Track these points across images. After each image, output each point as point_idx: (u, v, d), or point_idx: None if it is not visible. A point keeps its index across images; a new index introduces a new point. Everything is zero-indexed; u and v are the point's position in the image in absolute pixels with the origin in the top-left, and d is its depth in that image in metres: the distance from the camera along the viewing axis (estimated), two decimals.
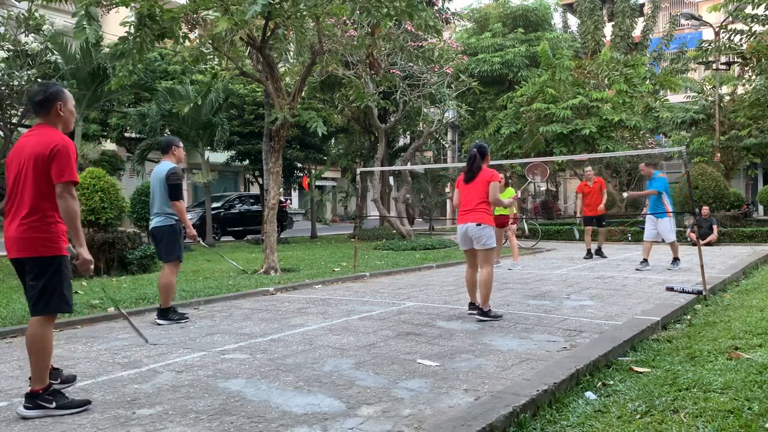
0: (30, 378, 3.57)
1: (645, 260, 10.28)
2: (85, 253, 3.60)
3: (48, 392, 3.49)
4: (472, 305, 6.16)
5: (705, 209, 15.75)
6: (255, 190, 27.91)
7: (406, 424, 3.20)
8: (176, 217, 6.20)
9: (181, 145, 6.48)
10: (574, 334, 5.33)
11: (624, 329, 5.21)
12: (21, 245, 3.49)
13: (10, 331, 5.60)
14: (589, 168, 12.93)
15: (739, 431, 2.98)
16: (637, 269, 10.16)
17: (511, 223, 11.70)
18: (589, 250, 12.73)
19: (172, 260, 6.20)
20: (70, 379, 3.96)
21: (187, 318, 6.29)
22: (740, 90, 22.91)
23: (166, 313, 6.18)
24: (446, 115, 21.12)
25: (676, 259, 10.33)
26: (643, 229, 17.63)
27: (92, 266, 3.70)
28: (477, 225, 6.00)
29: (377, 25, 9.73)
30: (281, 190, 13.22)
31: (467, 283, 6.30)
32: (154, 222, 6.22)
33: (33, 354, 3.49)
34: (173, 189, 6.15)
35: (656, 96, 22.60)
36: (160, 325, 6.06)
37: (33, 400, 3.46)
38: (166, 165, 6.23)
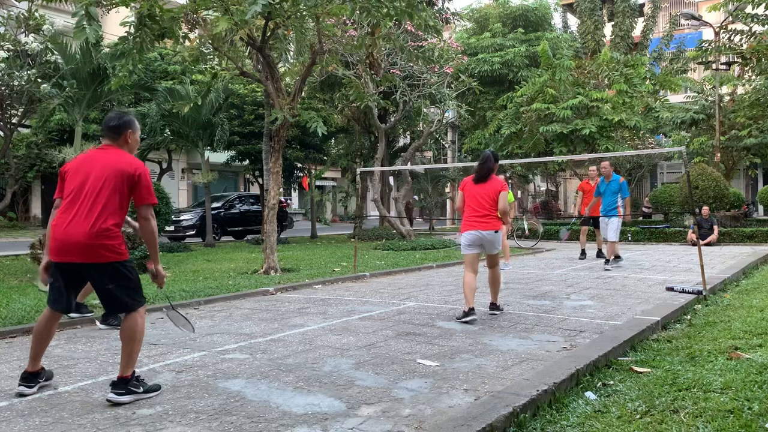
0: (25, 375, 3.81)
1: (608, 260, 10.64)
2: (161, 270, 4.01)
3: (135, 378, 3.75)
4: (472, 310, 5.96)
5: (705, 209, 15.76)
6: (255, 190, 27.94)
7: (406, 424, 3.20)
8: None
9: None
10: (574, 334, 5.33)
11: (624, 329, 5.21)
12: (98, 252, 3.70)
13: (10, 331, 5.59)
14: (593, 167, 12.67)
15: (739, 431, 2.98)
16: (606, 269, 10.32)
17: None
18: (583, 251, 12.67)
19: None
20: (51, 376, 4.08)
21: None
22: (740, 90, 22.92)
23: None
24: (446, 115, 21.14)
25: (617, 257, 10.71)
26: (644, 229, 17.73)
27: (164, 280, 4.12)
28: (495, 232, 6.13)
29: (377, 25, 9.73)
30: (281, 190, 13.21)
31: (468, 287, 6.08)
32: None
33: (132, 343, 3.75)
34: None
35: (656, 96, 22.60)
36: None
37: (124, 385, 3.67)
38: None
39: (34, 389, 3.85)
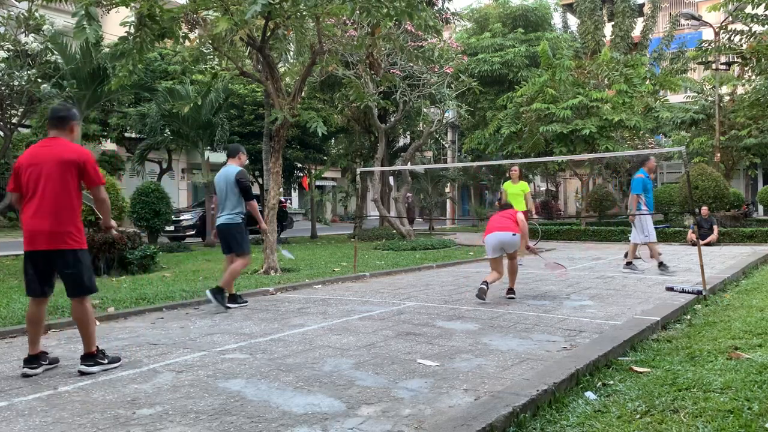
0: (27, 358, 4.27)
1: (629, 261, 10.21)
2: (112, 223, 4.66)
3: (101, 352, 4.36)
4: (511, 290, 7.42)
5: (705, 209, 15.75)
6: (255, 190, 27.94)
7: (406, 424, 3.20)
8: (243, 215, 7.04)
9: (245, 152, 7.44)
10: (574, 334, 5.33)
11: (624, 329, 5.21)
12: (54, 239, 4.15)
13: (10, 331, 5.59)
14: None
15: (739, 431, 2.98)
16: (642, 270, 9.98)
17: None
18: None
19: (245, 252, 7.06)
20: (55, 361, 4.48)
21: (228, 307, 6.83)
22: (740, 90, 22.92)
23: (220, 292, 6.81)
24: (446, 115, 21.13)
25: (630, 262, 10.14)
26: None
27: (114, 230, 4.79)
28: (513, 234, 7.06)
29: (377, 25, 9.73)
30: (281, 190, 13.23)
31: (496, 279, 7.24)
32: (222, 220, 7.04)
33: (80, 326, 4.33)
34: (245, 191, 6.99)
35: (656, 96, 22.60)
36: (209, 303, 6.80)
37: (92, 359, 4.26)
38: (233, 168, 7.01)
39: (38, 370, 4.22)
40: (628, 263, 10.12)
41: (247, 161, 7.65)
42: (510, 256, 7.27)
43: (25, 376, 4.14)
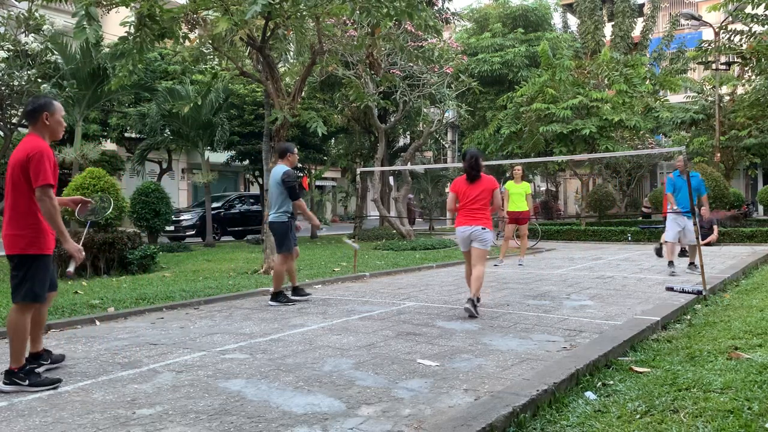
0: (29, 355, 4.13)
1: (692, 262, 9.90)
2: (70, 246, 4.03)
3: (23, 371, 3.93)
4: (479, 299, 6.49)
5: (705, 210, 15.74)
6: (255, 190, 27.93)
7: (406, 424, 3.20)
8: (289, 214, 7.10)
9: (296, 151, 7.51)
10: (574, 334, 5.33)
11: (624, 329, 5.21)
12: (6, 243, 3.94)
13: None
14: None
15: (739, 431, 2.98)
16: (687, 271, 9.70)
17: (523, 222, 11.62)
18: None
19: (283, 252, 7.12)
20: (59, 359, 4.42)
21: (294, 302, 7.12)
22: (740, 90, 22.92)
23: (277, 296, 7.07)
24: (446, 115, 21.13)
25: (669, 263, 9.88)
26: (644, 229, 17.73)
27: (82, 254, 4.15)
28: (483, 228, 6.39)
29: (377, 25, 9.73)
30: None
31: (467, 278, 6.65)
32: (270, 218, 7.19)
33: (9, 335, 3.99)
34: (291, 190, 7.05)
35: (656, 96, 22.61)
36: (271, 306, 6.93)
37: (9, 377, 3.91)
38: (281, 168, 7.12)
39: (40, 369, 4.14)
40: (691, 263, 9.80)
41: (296, 159, 7.68)
42: (474, 261, 6.41)
43: (0, 392, 3.93)
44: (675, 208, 9.66)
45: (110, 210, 5.39)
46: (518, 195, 11.52)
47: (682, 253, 11.08)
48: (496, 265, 11.24)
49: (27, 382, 3.88)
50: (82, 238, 5.09)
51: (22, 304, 3.97)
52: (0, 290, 8.06)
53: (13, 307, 4.01)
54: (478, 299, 6.41)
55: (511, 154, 21.66)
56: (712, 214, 15.57)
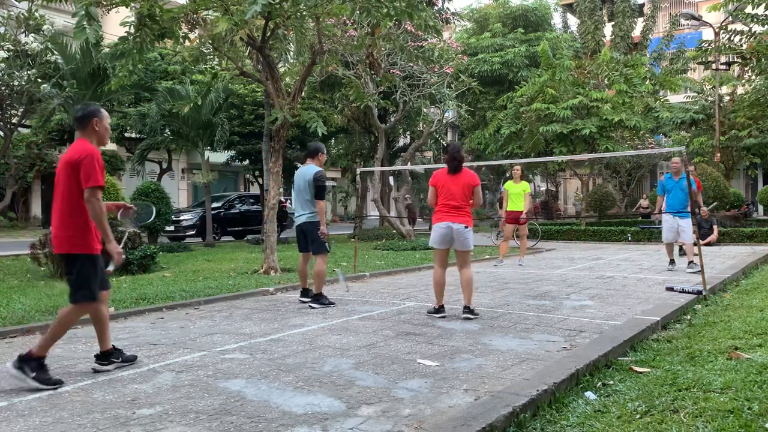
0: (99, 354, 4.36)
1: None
2: (112, 247, 4.21)
3: (38, 363, 3.99)
4: (442, 308, 6.19)
5: (704, 209, 15.74)
6: (255, 190, 27.93)
7: (406, 424, 3.20)
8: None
9: (325, 151, 7.49)
10: (574, 334, 5.33)
11: (624, 329, 5.21)
12: (58, 243, 4.13)
13: (10, 330, 5.59)
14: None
15: (739, 431, 2.97)
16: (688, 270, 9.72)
17: (525, 220, 11.64)
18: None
19: (323, 252, 7.08)
20: (131, 359, 4.52)
21: (334, 304, 7.03)
22: (740, 90, 22.92)
23: (319, 298, 7.00)
24: (446, 115, 21.13)
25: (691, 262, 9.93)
26: (644, 229, 17.73)
27: (122, 255, 4.33)
28: (466, 227, 6.08)
29: (377, 25, 9.73)
30: (281, 190, 13.22)
31: (438, 285, 6.22)
32: (304, 218, 7.10)
33: (54, 325, 4.13)
34: (320, 190, 7.09)
35: (656, 96, 22.62)
36: (313, 308, 6.82)
37: (21, 363, 3.95)
38: (312, 168, 7.11)
39: (109, 368, 4.32)
40: (690, 262, 9.87)
41: (325, 159, 7.62)
42: (460, 264, 6.21)
43: (96, 371, 4.24)
44: (663, 209, 10.07)
45: (152, 218, 5.52)
46: (516, 195, 11.52)
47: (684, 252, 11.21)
48: (495, 266, 11.25)
49: (33, 374, 3.94)
50: (123, 241, 5.31)
51: (79, 305, 4.15)
52: (0, 290, 8.06)
53: (70, 306, 4.16)
54: (472, 310, 6.12)
55: (511, 154, 21.67)
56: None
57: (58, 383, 3.98)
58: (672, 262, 10.21)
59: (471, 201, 6.23)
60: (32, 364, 3.94)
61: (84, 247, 4.10)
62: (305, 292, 7.28)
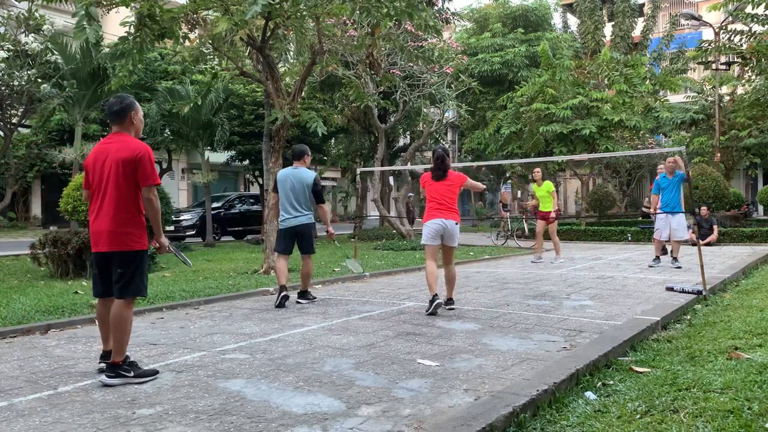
0: (102, 354, 4.32)
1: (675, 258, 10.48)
2: (164, 240, 4.34)
3: (127, 363, 4.09)
4: (436, 296, 6.40)
5: (704, 209, 15.76)
6: (255, 190, 27.93)
7: (406, 424, 3.20)
8: (313, 216, 7.37)
9: (310, 153, 7.67)
10: (574, 334, 5.33)
11: (624, 329, 5.21)
12: (111, 240, 4.08)
13: (10, 330, 5.58)
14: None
15: (739, 431, 2.98)
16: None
17: (554, 219, 11.97)
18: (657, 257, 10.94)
19: (312, 252, 7.40)
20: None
21: (315, 298, 7.43)
22: (740, 90, 22.93)
23: (305, 295, 7.37)
24: (446, 115, 21.13)
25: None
26: (644, 229, 17.73)
27: (167, 249, 4.42)
28: (456, 224, 6.47)
29: (377, 25, 9.73)
30: None
31: (432, 275, 6.48)
32: (303, 220, 7.20)
33: (115, 330, 4.13)
34: (319, 194, 7.33)
35: (656, 96, 22.62)
36: (300, 304, 7.17)
37: (115, 369, 4.03)
38: (305, 171, 7.28)
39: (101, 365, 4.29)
40: (674, 259, 10.39)
41: (310, 160, 7.82)
42: (446, 260, 6.62)
43: (108, 385, 4.00)
44: (658, 209, 10.48)
45: None
46: (544, 197, 11.98)
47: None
48: (533, 262, 11.77)
49: (132, 374, 4.03)
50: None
51: (131, 300, 4.23)
52: (0, 290, 8.06)
53: (119, 302, 4.16)
54: (453, 301, 6.68)
55: (511, 154, 21.67)
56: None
57: (155, 372, 4.15)
58: (657, 258, 10.62)
59: (471, 190, 6.76)
60: (123, 366, 4.05)
61: (142, 243, 4.19)
62: (303, 294, 7.45)
